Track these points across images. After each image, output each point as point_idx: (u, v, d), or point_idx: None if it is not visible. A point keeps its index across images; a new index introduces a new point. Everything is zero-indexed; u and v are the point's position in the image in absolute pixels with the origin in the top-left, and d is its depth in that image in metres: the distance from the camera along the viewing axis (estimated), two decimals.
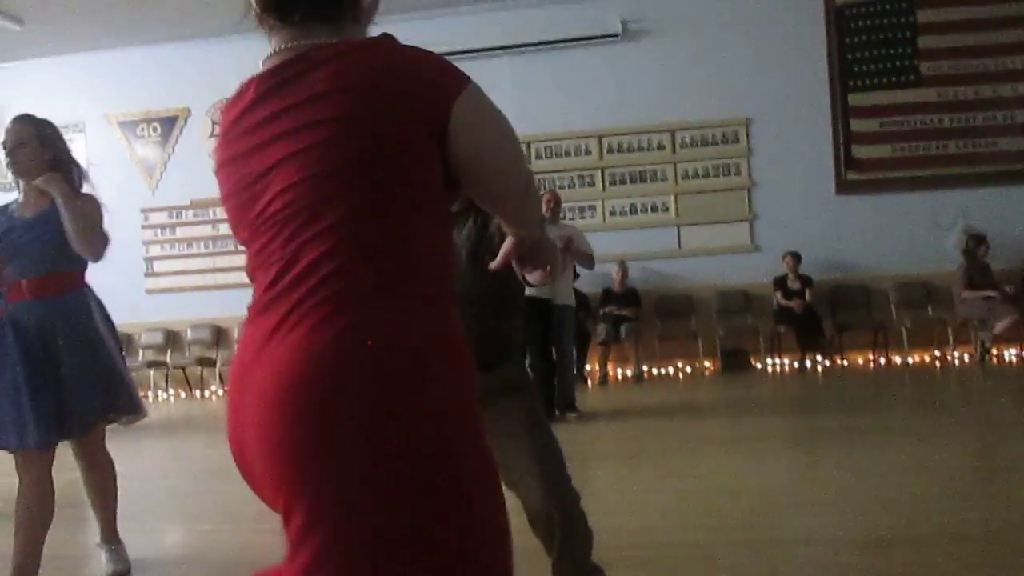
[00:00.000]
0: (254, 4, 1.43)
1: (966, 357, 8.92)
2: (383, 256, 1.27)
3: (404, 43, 1.41)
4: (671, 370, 9.41)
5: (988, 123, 9.28)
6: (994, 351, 8.81)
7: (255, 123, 1.36)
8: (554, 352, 6.73)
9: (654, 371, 9.36)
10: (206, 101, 10.53)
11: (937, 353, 9.06)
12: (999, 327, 8.55)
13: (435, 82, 1.35)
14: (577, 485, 2.48)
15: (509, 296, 2.43)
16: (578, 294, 9.03)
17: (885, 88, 9.40)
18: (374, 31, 1.56)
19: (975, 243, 8.81)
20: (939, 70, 9.32)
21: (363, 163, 1.27)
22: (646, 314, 9.39)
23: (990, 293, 8.62)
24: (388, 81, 1.30)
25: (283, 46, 1.39)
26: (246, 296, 1.44)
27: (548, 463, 2.41)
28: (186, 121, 10.70)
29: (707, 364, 9.39)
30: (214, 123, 10.57)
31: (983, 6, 9.25)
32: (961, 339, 8.99)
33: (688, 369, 9.39)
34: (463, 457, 1.28)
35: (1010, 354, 8.85)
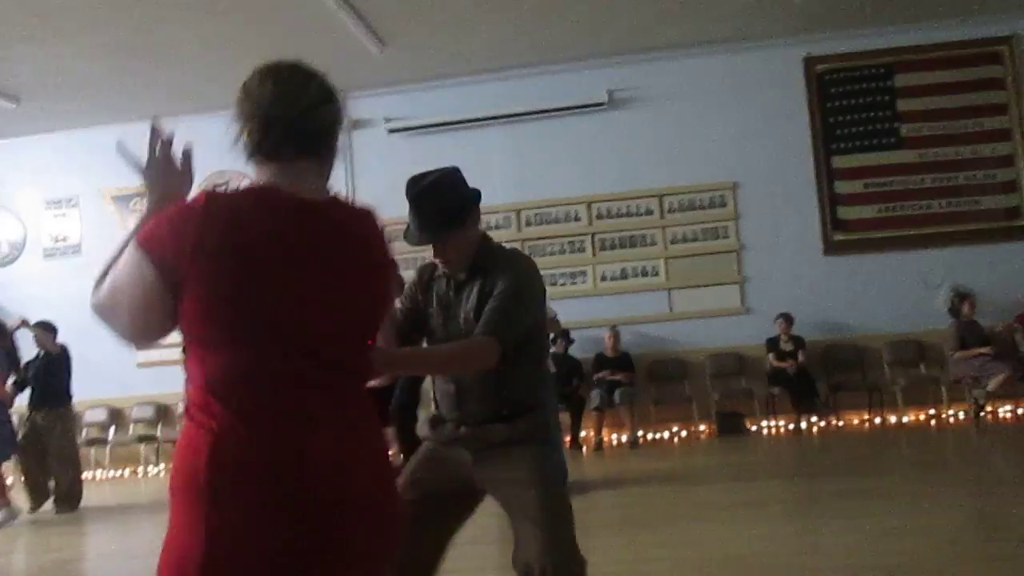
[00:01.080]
0: (245, 144, 1.61)
1: (961, 415, 8.90)
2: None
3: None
4: (667, 435, 9.36)
5: (969, 182, 9.45)
6: (988, 408, 8.80)
7: (293, 241, 1.54)
8: None
9: (649, 436, 9.30)
10: (201, 174, 10.61)
11: (932, 412, 9.04)
12: (992, 384, 8.56)
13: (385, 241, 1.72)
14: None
15: (521, 354, 2.39)
16: (571, 360, 9.05)
17: (867, 150, 9.59)
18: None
19: (960, 301, 8.90)
20: (919, 132, 9.53)
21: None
22: (640, 379, 9.37)
23: (982, 351, 8.65)
24: (378, 235, 1.73)
25: (286, 180, 1.57)
26: None
27: (553, 519, 2.34)
28: None
29: (702, 428, 9.34)
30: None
31: (958, 69, 9.50)
32: (955, 397, 8.99)
33: (683, 433, 9.33)
34: None
35: (1004, 411, 8.84)
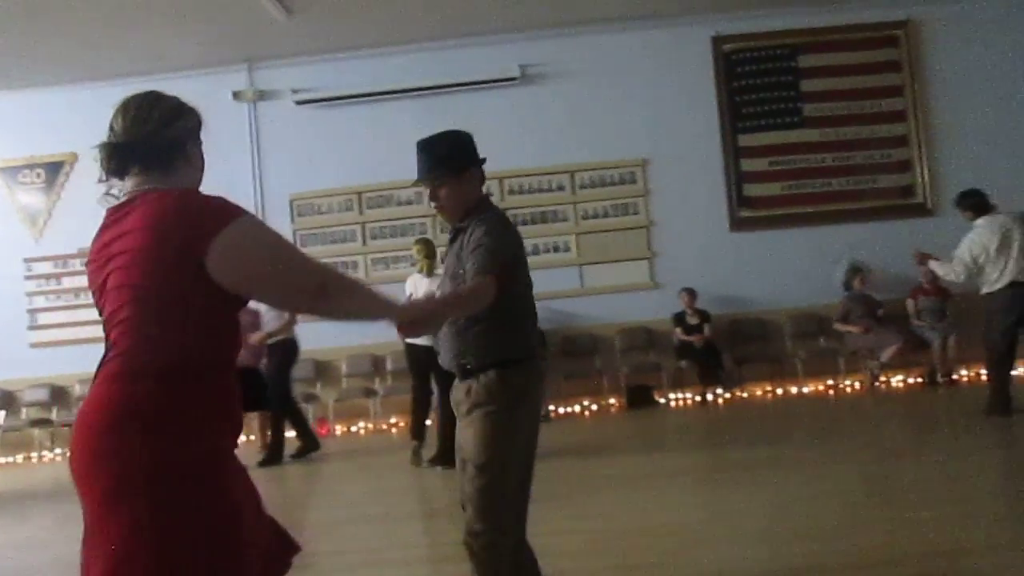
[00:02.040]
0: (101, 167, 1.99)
1: (857, 385, 9.28)
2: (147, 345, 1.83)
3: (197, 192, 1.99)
4: (577, 408, 9.46)
5: (867, 161, 9.79)
6: (883, 378, 9.20)
7: (100, 246, 1.94)
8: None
9: (560, 410, 9.39)
10: (94, 145, 10.15)
11: (831, 382, 9.40)
12: (886, 356, 8.96)
13: (198, 223, 1.82)
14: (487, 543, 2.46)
15: (481, 330, 2.60)
16: None
17: (772, 129, 9.83)
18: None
19: (852, 275, 9.26)
20: (821, 112, 9.81)
21: (145, 280, 1.82)
22: (551, 354, 9.43)
23: (852, 329, 9.04)
24: (167, 221, 1.83)
25: (129, 190, 1.96)
26: None
27: (479, 493, 2.58)
28: (72, 167, 10.27)
29: (612, 401, 9.47)
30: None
31: (858, 51, 9.81)
32: (852, 368, 9.37)
33: (594, 407, 9.45)
34: None
35: (897, 381, 9.26)
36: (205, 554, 1.76)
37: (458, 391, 2.70)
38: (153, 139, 1.94)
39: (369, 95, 9.85)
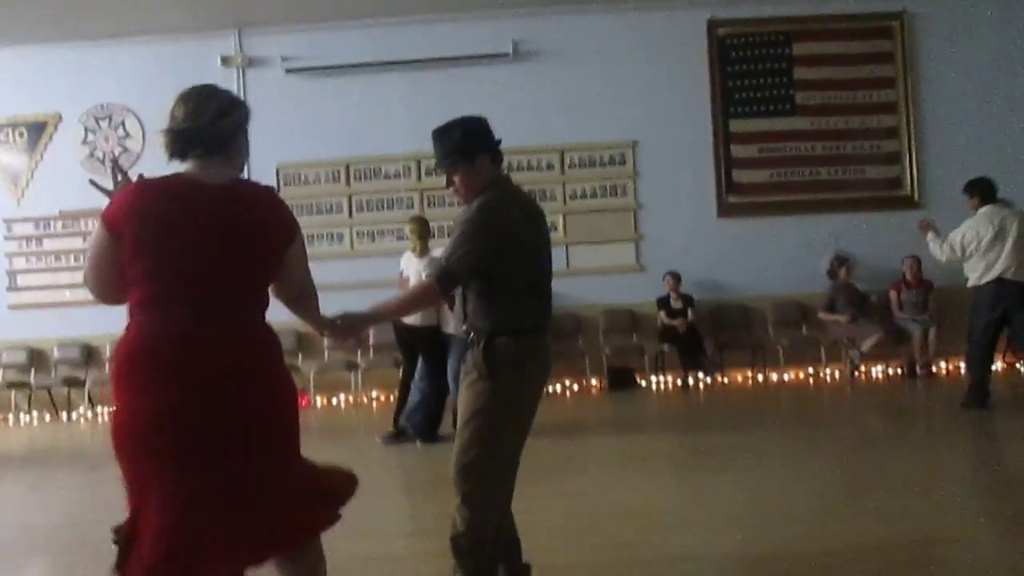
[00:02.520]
0: (165, 150, 2.35)
1: (837, 374, 9.34)
2: None
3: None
4: (558, 388, 9.48)
5: (856, 152, 9.80)
6: (862, 368, 9.27)
7: (193, 212, 2.26)
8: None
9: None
10: (79, 107, 10.02)
11: (811, 370, 9.45)
12: (866, 345, 9.01)
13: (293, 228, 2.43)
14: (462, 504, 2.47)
15: (475, 302, 2.83)
16: None
17: (763, 116, 9.81)
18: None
19: (838, 265, 9.30)
20: (812, 100, 9.80)
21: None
22: None
23: (838, 318, 9.09)
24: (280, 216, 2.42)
25: (188, 170, 2.31)
26: (117, 313, 2.34)
27: (461, 468, 2.77)
28: (56, 127, 10.13)
29: (594, 382, 9.50)
30: (87, 130, 10.06)
31: (852, 41, 9.79)
32: (833, 357, 9.43)
33: (575, 387, 9.48)
34: None
35: (877, 371, 9.33)
36: None
37: (466, 359, 2.89)
38: (210, 129, 2.28)
39: (360, 66, 9.75)
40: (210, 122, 2.28)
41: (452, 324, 6.63)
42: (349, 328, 2.86)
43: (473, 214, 2.82)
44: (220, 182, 2.27)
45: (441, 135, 2.95)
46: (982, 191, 6.83)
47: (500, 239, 2.79)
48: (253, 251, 2.27)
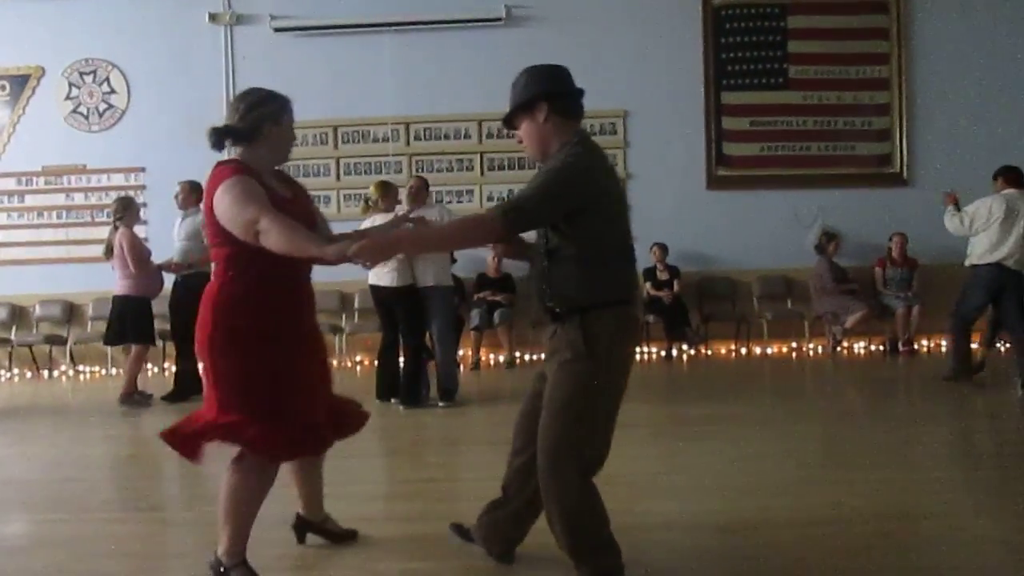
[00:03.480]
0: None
1: (820, 349, 9.40)
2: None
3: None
4: (543, 356, 9.47)
5: (848, 128, 9.78)
6: (845, 343, 9.33)
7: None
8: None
9: (527, 357, 9.42)
10: (63, 60, 9.86)
11: (794, 344, 9.51)
12: (850, 321, 9.06)
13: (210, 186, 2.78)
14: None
15: (560, 251, 2.60)
16: (453, 279, 8.97)
17: (756, 89, 9.76)
18: None
19: (827, 240, 9.32)
20: (806, 74, 9.75)
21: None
22: (520, 300, 9.42)
23: (833, 291, 9.12)
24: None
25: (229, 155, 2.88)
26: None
27: (548, 445, 2.58)
28: (39, 81, 9.96)
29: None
30: (71, 85, 9.90)
31: (847, 16, 9.72)
32: (816, 332, 9.48)
33: None
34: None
35: (859, 347, 9.39)
36: None
37: (548, 332, 2.70)
38: (237, 124, 2.82)
39: (349, 27, 9.62)
40: (239, 119, 2.81)
41: (431, 276, 6.54)
42: (372, 254, 2.58)
43: (561, 161, 2.59)
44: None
45: (513, 85, 2.75)
46: (1008, 175, 6.85)
47: (589, 192, 2.57)
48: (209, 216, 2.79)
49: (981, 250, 6.72)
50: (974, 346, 7.14)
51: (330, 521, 3.37)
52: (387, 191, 6.66)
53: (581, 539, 2.64)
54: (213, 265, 2.88)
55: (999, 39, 9.65)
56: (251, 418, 2.71)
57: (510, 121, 2.76)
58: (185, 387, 7.17)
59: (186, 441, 2.80)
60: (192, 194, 7.41)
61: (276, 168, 2.97)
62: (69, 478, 4.75)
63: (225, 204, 2.66)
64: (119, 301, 7.16)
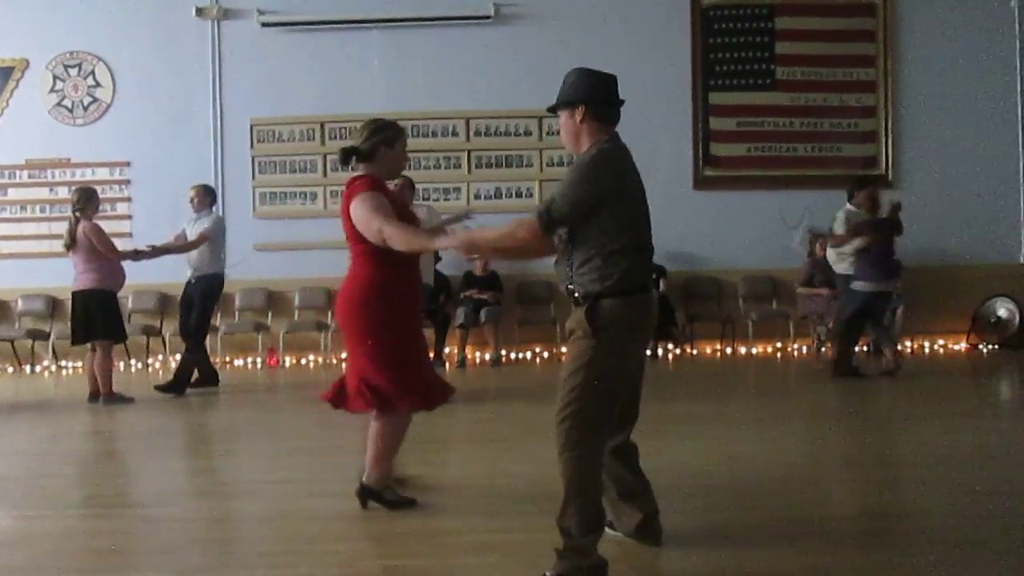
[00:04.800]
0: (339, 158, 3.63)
1: (804, 349, 9.44)
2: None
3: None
4: (529, 355, 9.49)
5: (834, 129, 9.84)
6: (829, 344, 9.35)
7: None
8: None
9: (512, 356, 9.42)
10: (48, 53, 9.77)
11: (779, 345, 9.54)
12: (835, 322, 9.08)
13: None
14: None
15: (583, 262, 2.85)
16: (440, 277, 8.96)
17: (743, 89, 9.79)
18: None
19: (814, 241, 9.35)
20: (793, 76, 9.80)
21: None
22: (507, 299, 9.43)
23: (822, 292, 9.16)
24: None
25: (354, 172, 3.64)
26: None
27: (561, 410, 2.82)
28: (23, 73, 9.87)
29: (564, 350, 9.49)
30: (56, 78, 9.82)
31: (835, 18, 9.77)
32: (801, 332, 9.52)
33: (546, 354, 9.50)
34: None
35: None
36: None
37: (570, 318, 2.92)
38: (359, 146, 3.57)
39: (338, 22, 9.58)
40: (361, 142, 3.57)
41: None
42: (467, 248, 3.18)
43: (586, 159, 2.87)
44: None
45: (564, 78, 3.06)
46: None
47: (611, 184, 2.84)
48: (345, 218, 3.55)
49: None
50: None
51: (390, 491, 3.76)
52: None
53: (574, 496, 2.84)
54: (350, 261, 3.61)
55: (983, 43, 9.74)
56: (393, 379, 3.49)
57: (554, 109, 3.06)
58: (184, 380, 7.30)
59: (352, 399, 3.59)
60: (207, 197, 7.46)
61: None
62: (50, 474, 4.71)
63: (359, 215, 3.43)
64: (84, 296, 6.90)
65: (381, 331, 3.50)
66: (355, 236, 3.50)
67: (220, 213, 8.09)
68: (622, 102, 3.07)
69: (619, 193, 2.87)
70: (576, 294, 2.87)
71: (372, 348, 3.50)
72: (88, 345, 7.06)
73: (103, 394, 6.91)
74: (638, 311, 2.90)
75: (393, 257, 3.42)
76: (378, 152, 3.57)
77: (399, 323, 3.53)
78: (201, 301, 7.44)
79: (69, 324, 7.23)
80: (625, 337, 2.88)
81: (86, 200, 7.00)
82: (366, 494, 3.63)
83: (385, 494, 3.65)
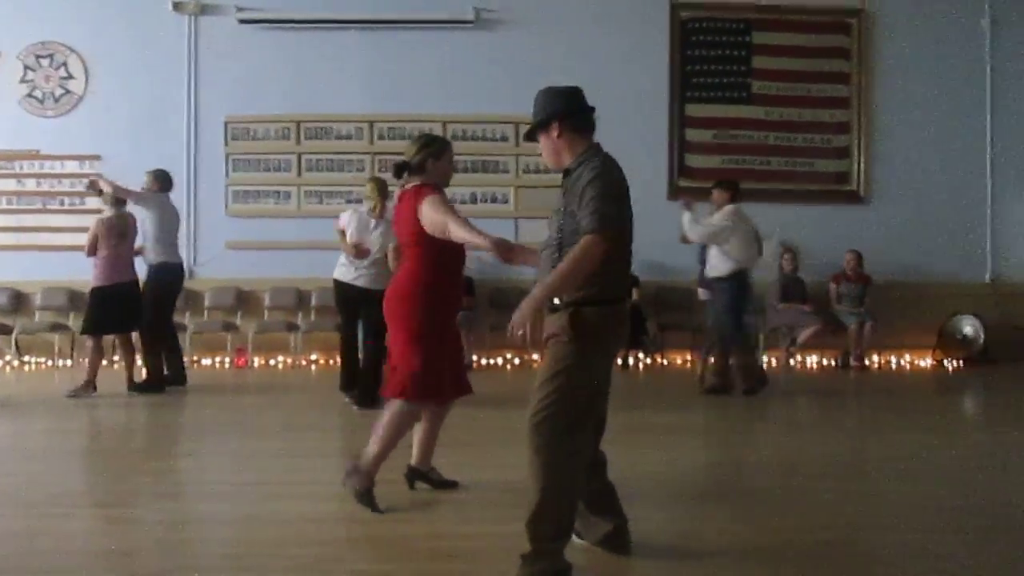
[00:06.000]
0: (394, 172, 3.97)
1: (774, 361, 9.52)
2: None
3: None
4: (500, 361, 9.48)
5: (808, 144, 9.94)
6: (798, 357, 9.46)
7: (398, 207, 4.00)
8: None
9: (484, 362, 9.40)
10: (18, 43, 9.62)
11: None
12: (802, 336, 9.20)
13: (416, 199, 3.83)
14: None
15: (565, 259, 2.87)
16: None
17: (719, 102, 9.87)
18: None
19: (785, 254, 9.45)
20: (768, 90, 9.90)
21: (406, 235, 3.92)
22: (479, 304, 9.41)
23: (804, 308, 9.25)
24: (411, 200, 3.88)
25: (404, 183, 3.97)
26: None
27: (537, 424, 2.85)
28: None
29: (536, 356, 9.51)
30: (27, 68, 9.67)
31: (811, 35, 9.89)
32: (771, 344, 9.59)
33: (517, 361, 9.49)
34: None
35: (812, 360, 9.53)
36: None
37: (548, 324, 2.94)
38: (411, 161, 3.90)
39: (317, 22, 9.54)
40: (412, 156, 3.90)
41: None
42: (526, 313, 2.88)
43: (600, 170, 2.92)
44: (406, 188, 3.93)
45: (534, 103, 3.10)
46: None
47: (626, 189, 3.02)
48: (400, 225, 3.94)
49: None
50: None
51: (434, 472, 4.15)
52: (383, 189, 6.73)
53: (544, 499, 2.86)
54: (401, 260, 4.01)
55: (956, 62, 9.91)
56: (416, 368, 3.77)
57: (531, 134, 3.15)
58: (158, 377, 7.32)
59: (388, 385, 3.87)
60: (155, 182, 7.57)
61: None
62: (12, 472, 4.63)
63: (428, 211, 3.72)
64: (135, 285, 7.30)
65: (418, 323, 3.80)
66: (414, 239, 3.81)
67: (170, 200, 7.76)
68: (593, 109, 3.10)
69: (625, 198, 3.01)
70: (556, 300, 2.89)
71: (406, 337, 3.81)
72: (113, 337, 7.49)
73: (82, 383, 7.07)
74: (616, 321, 2.96)
75: (443, 261, 3.83)
76: (427, 164, 3.90)
77: (436, 319, 3.83)
78: (151, 292, 7.34)
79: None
80: (601, 345, 2.94)
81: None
82: (413, 476, 4.09)
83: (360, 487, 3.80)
